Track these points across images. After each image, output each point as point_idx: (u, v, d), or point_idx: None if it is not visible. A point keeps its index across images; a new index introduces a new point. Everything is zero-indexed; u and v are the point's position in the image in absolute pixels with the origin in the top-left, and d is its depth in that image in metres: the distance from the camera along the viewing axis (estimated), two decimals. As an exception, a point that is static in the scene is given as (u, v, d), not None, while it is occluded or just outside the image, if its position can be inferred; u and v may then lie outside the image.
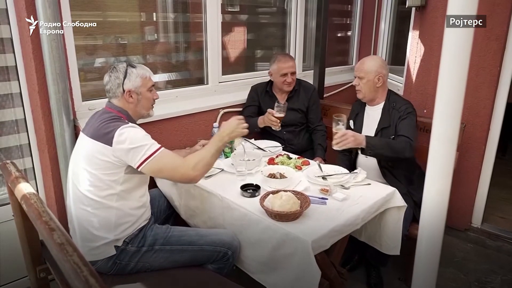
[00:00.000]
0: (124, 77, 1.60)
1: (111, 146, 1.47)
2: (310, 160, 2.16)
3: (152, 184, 1.91)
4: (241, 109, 2.71)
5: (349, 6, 3.87)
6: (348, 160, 2.31)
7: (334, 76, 3.63)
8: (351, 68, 3.90)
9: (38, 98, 1.87)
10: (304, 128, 2.68)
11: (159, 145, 1.53)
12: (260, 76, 2.94)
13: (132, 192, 1.59)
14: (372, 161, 2.15)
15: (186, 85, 2.61)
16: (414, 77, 2.86)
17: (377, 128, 2.15)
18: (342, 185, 1.81)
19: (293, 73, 2.54)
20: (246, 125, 1.72)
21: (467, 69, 0.77)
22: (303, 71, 3.36)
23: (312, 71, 3.10)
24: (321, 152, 2.55)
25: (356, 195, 1.73)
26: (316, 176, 1.90)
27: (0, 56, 1.85)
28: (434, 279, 0.91)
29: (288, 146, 2.56)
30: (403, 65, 3.08)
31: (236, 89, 2.82)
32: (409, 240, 1.95)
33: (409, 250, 1.94)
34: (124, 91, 1.61)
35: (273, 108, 2.25)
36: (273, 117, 2.21)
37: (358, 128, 2.25)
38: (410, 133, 2.00)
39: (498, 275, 2.36)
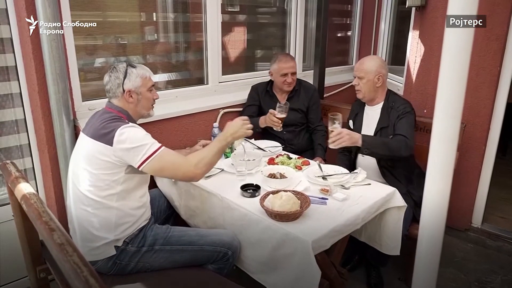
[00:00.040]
0: (124, 77, 1.60)
1: (111, 146, 1.47)
2: (310, 160, 2.16)
3: (152, 184, 1.91)
4: (241, 109, 2.71)
5: (349, 6, 3.87)
6: (348, 160, 2.31)
7: (334, 76, 3.63)
8: (351, 68, 3.90)
9: (38, 98, 1.87)
10: (304, 128, 2.68)
11: (160, 144, 1.53)
12: (260, 76, 2.94)
13: (132, 192, 1.59)
14: (371, 161, 2.15)
15: (186, 85, 2.61)
16: (414, 77, 2.86)
17: (376, 128, 2.15)
18: (342, 185, 1.81)
19: (294, 73, 2.54)
20: (250, 126, 1.72)
21: (467, 69, 0.77)
22: (303, 71, 3.36)
23: (312, 71, 3.10)
24: (321, 152, 2.55)
25: (356, 195, 1.73)
26: (316, 176, 1.90)
27: (0, 56, 1.85)
28: (434, 279, 0.91)
29: (288, 146, 2.56)
30: (403, 65, 3.08)
31: (236, 89, 2.82)
32: (409, 240, 1.95)
33: (409, 250, 1.95)
34: (124, 91, 1.61)
35: (273, 108, 2.25)
36: (275, 117, 2.20)
37: (357, 128, 2.25)
38: (407, 132, 2.00)
39: (498, 275, 2.36)
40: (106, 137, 1.49)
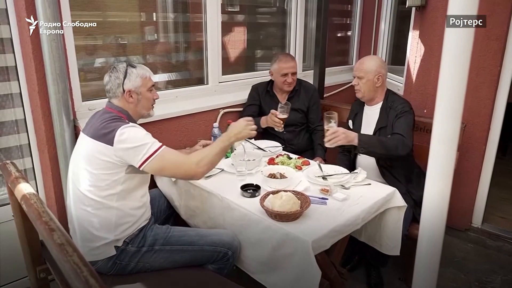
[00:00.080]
0: (124, 77, 1.60)
1: (112, 146, 1.47)
2: (310, 160, 2.16)
3: (152, 184, 1.91)
4: (241, 109, 2.71)
5: (349, 6, 3.87)
6: (348, 160, 2.31)
7: (334, 76, 3.63)
8: (351, 68, 3.89)
9: (38, 98, 1.87)
10: (304, 128, 2.68)
11: (161, 144, 1.53)
12: (260, 76, 2.94)
13: (132, 192, 1.59)
14: (370, 161, 2.15)
15: (186, 85, 2.61)
16: (414, 77, 2.86)
17: (375, 128, 2.15)
18: (342, 185, 1.81)
19: (294, 74, 2.54)
20: (254, 126, 1.72)
21: (467, 69, 0.77)
22: (303, 71, 3.36)
23: (312, 71, 3.10)
24: (321, 152, 2.55)
25: (356, 195, 1.73)
26: (316, 176, 1.90)
27: (0, 56, 1.85)
28: (434, 279, 0.91)
29: (288, 146, 2.56)
30: (403, 65, 3.08)
31: (236, 89, 2.82)
32: (409, 240, 1.95)
33: (409, 250, 1.95)
34: (124, 91, 1.61)
35: (274, 108, 2.24)
36: (276, 118, 2.19)
37: (357, 128, 2.25)
38: (404, 130, 2.00)
39: (498, 275, 2.36)
40: (106, 137, 1.48)
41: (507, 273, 2.37)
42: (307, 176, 1.90)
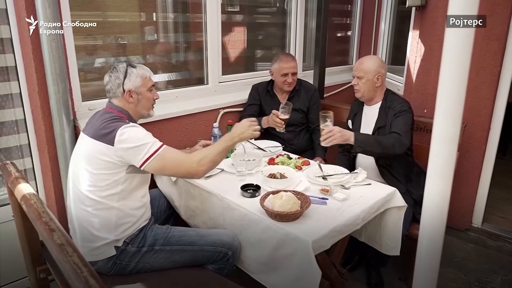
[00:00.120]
0: (124, 77, 1.60)
1: (113, 146, 1.47)
2: (310, 160, 2.16)
3: (152, 184, 1.91)
4: (241, 109, 2.71)
5: (349, 6, 3.87)
6: (348, 160, 2.31)
7: (334, 76, 3.63)
8: (351, 68, 3.88)
9: (38, 98, 1.87)
10: (305, 128, 2.68)
11: (161, 143, 1.53)
12: (260, 76, 2.94)
13: (133, 192, 1.58)
14: (370, 161, 2.15)
15: (186, 85, 2.61)
16: (414, 77, 2.86)
17: (374, 128, 2.15)
18: (342, 185, 1.81)
19: (294, 74, 2.53)
20: (258, 127, 1.71)
21: (468, 69, 0.77)
22: (303, 71, 3.36)
23: (312, 71, 3.10)
24: (321, 152, 2.54)
25: (357, 195, 1.73)
26: (316, 176, 1.90)
27: (0, 56, 1.85)
28: (435, 279, 0.91)
29: (288, 146, 2.56)
30: (403, 65, 3.07)
31: (236, 89, 2.82)
32: (409, 240, 1.95)
33: (409, 250, 1.95)
34: (124, 91, 1.60)
35: (274, 108, 2.24)
36: (278, 118, 2.18)
37: (356, 128, 2.25)
38: (401, 129, 1.99)
39: (498, 275, 2.36)
40: (107, 137, 1.48)
41: (507, 273, 2.37)
42: (307, 176, 1.90)
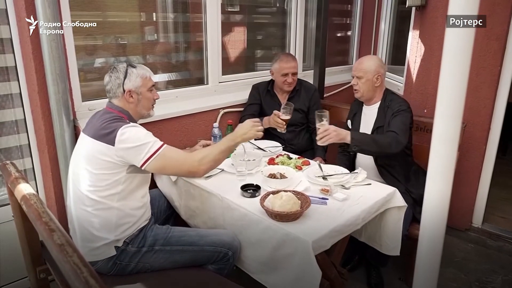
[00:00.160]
0: (125, 77, 1.60)
1: (113, 146, 1.47)
2: (310, 160, 2.16)
3: (152, 184, 1.91)
4: (241, 109, 2.71)
5: (349, 6, 3.87)
6: (348, 160, 2.31)
7: (334, 76, 3.63)
8: (351, 68, 3.87)
9: (38, 98, 1.87)
10: (305, 128, 2.68)
11: (162, 142, 1.53)
12: (260, 76, 2.94)
13: (133, 192, 1.59)
14: (369, 160, 2.15)
15: (186, 85, 2.61)
16: (414, 77, 2.86)
17: (373, 127, 2.15)
18: (342, 185, 1.81)
19: (294, 74, 2.53)
20: (261, 128, 1.71)
21: (468, 69, 0.77)
22: (303, 71, 3.36)
23: (312, 71, 3.10)
24: (321, 152, 2.54)
25: (357, 195, 1.73)
26: (316, 176, 1.89)
27: (0, 56, 1.85)
28: (435, 279, 0.91)
29: (288, 146, 2.55)
30: (403, 65, 3.07)
31: (236, 89, 2.82)
32: (409, 240, 1.95)
33: (409, 250, 1.95)
34: (124, 91, 1.61)
35: (274, 107, 2.24)
36: (279, 119, 2.18)
37: (356, 128, 2.25)
38: (398, 128, 1.99)
39: (498, 275, 2.35)
40: (107, 137, 1.48)
41: (507, 273, 2.37)
42: (307, 176, 1.90)
